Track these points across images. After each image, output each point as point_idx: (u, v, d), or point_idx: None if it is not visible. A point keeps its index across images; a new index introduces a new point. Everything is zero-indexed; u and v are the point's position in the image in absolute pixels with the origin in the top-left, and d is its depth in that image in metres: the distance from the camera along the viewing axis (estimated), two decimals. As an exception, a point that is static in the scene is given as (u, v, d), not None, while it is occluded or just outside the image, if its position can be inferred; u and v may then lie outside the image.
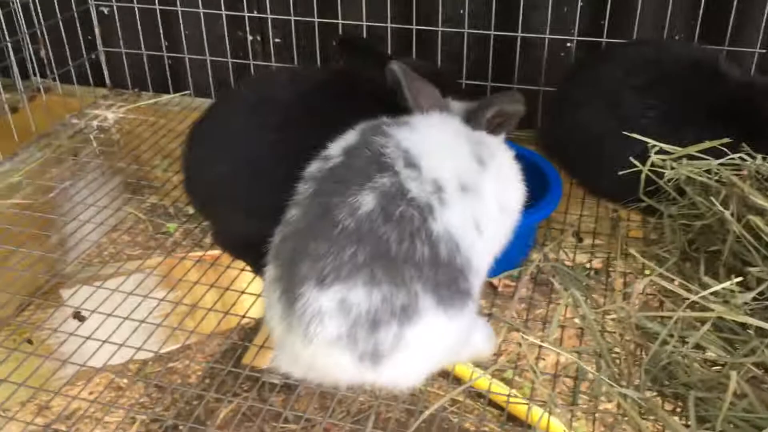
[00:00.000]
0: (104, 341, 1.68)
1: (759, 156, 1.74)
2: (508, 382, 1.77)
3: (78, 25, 2.91)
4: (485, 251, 1.50)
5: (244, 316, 1.82)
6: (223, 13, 2.80)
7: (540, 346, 1.71)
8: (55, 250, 2.12)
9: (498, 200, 1.52)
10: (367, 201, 1.34)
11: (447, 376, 1.71)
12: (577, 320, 1.78)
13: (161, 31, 2.92)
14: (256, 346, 1.75)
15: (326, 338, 1.31)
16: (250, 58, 2.89)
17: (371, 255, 1.30)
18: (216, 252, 2.05)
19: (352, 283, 1.30)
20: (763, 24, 2.36)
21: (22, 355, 1.66)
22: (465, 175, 1.45)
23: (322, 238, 1.32)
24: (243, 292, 1.86)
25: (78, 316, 1.86)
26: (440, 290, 1.34)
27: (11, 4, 2.75)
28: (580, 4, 2.48)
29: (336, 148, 1.47)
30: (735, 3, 2.34)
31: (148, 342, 1.74)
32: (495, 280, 1.96)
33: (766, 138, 1.85)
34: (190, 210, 2.28)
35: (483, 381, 1.65)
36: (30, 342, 1.80)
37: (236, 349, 1.78)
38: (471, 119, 1.59)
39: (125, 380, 1.75)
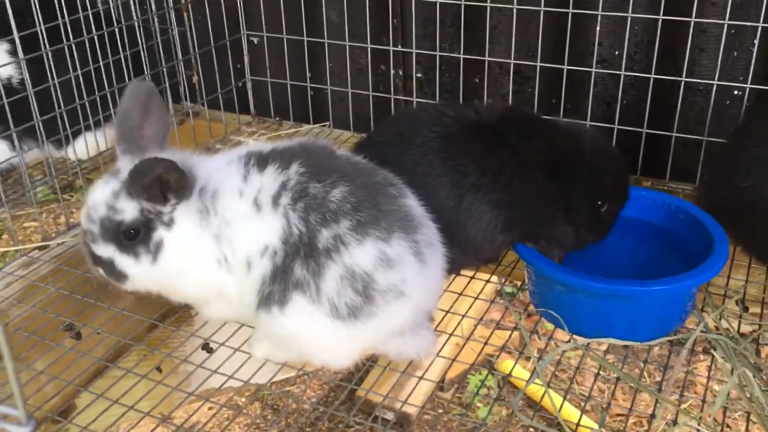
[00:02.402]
0: (230, 377, 1.65)
1: None
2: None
3: (229, 53, 2.99)
4: None
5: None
6: (368, 46, 2.79)
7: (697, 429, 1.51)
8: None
9: None
10: None
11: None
12: (743, 403, 1.57)
13: (307, 62, 2.95)
14: (370, 385, 1.69)
15: None
16: (391, 92, 2.86)
17: None
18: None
19: None
20: None
21: (151, 383, 1.66)
22: None
23: None
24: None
25: (206, 348, 1.84)
26: None
27: (170, 32, 2.87)
28: (754, 49, 2.26)
29: None
30: None
31: (268, 370, 1.70)
32: (645, 345, 1.77)
33: None
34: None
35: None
36: (159, 370, 1.80)
37: (351, 380, 1.73)
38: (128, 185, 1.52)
39: (243, 399, 1.73)
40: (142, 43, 2.66)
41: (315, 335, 1.51)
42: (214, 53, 2.92)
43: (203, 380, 1.67)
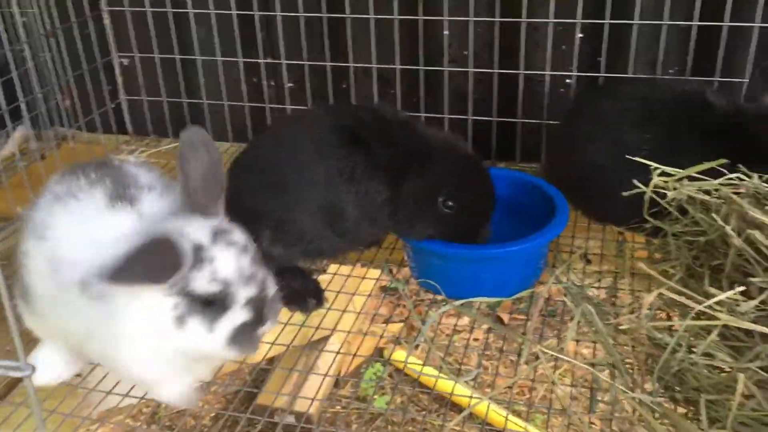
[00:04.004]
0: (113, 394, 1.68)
1: (755, 175, 1.86)
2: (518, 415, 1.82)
3: (102, 75, 3.06)
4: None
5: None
6: (240, 60, 2.96)
7: (556, 359, 1.80)
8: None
9: None
10: None
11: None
12: (590, 335, 1.88)
13: (181, 79, 3.07)
14: (269, 390, 1.79)
15: None
16: (266, 102, 3.04)
17: None
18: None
19: None
20: (751, 55, 2.50)
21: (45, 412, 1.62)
22: None
23: None
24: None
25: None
26: None
27: (40, 58, 2.91)
28: (577, 42, 2.64)
29: None
30: (724, 35, 2.49)
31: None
32: (505, 316, 2.04)
33: (754, 162, 1.96)
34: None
35: (482, 406, 1.71)
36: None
37: (251, 390, 1.81)
38: None
39: (139, 423, 1.76)
40: (14, 71, 2.70)
41: None
42: (87, 77, 2.98)
43: (98, 401, 1.68)
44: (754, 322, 1.56)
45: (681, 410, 1.57)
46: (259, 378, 1.87)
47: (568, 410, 1.64)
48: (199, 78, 3.04)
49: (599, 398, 1.71)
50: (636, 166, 2.00)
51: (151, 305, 1.37)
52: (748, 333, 1.59)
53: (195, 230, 1.39)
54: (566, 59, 2.72)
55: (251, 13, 2.87)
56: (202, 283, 1.36)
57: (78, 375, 1.92)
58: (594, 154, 2.22)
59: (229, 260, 1.39)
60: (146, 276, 1.32)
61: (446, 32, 2.71)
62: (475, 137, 2.81)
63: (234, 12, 2.88)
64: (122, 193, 1.48)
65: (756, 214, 1.71)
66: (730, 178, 1.88)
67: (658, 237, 2.15)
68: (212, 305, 1.38)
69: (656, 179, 1.95)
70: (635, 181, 1.97)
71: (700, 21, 2.49)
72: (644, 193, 1.96)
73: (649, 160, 1.99)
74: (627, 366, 1.71)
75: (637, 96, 2.23)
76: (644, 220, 2.02)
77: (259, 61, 2.97)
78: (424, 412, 1.81)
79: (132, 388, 1.70)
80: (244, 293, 1.40)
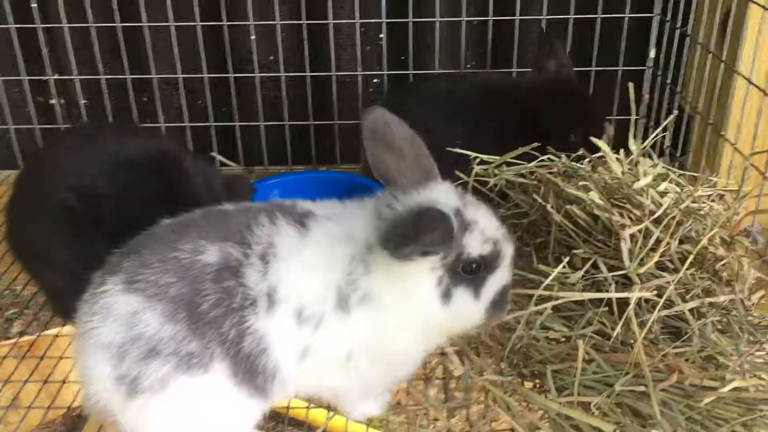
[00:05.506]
0: None
1: (563, 155, 1.99)
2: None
3: None
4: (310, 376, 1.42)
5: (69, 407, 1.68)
6: (24, 78, 2.67)
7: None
8: None
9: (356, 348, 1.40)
10: (211, 253, 1.31)
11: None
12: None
13: (-47, 104, 2.72)
14: None
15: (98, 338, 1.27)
16: (60, 122, 2.77)
17: (182, 296, 1.28)
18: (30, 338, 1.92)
19: (150, 305, 1.27)
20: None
21: None
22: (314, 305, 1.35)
23: (156, 253, 1.30)
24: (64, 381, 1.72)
25: None
26: (239, 368, 1.31)
27: None
28: (382, 42, 2.68)
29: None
30: (516, 33, 2.65)
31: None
32: None
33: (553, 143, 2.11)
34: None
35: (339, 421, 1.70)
36: None
37: None
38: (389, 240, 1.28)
39: None
40: None
41: None
42: None
43: None
44: (582, 290, 1.66)
45: (530, 385, 1.63)
46: (76, 427, 1.73)
47: (426, 404, 1.65)
48: (-23, 102, 2.70)
49: (453, 387, 1.73)
50: (452, 158, 2.06)
51: (414, 287, 1.34)
52: (579, 302, 1.69)
53: (444, 196, 1.35)
54: (372, 59, 2.76)
55: (33, 26, 2.59)
56: (475, 245, 1.33)
57: None
58: None
59: (488, 218, 1.37)
60: (430, 243, 1.25)
61: (253, 37, 2.63)
62: (293, 143, 2.77)
63: (12, 26, 2.58)
64: None
65: (570, 190, 1.83)
66: (543, 160, 2.01)
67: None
68: (476, 271, 1.35)
69: (476, 168, 2.03)
70: (457, 172, 2.03)
71: (494, 16, 2.64)
72: (466, 183, 2.03)
73: (463, 150, 2.06)
74: (474, 349, 1.75)
75: (442, 91, 2.32)
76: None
77: (46, 78, 2.69)
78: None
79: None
80: (509, 250, 1.38)
